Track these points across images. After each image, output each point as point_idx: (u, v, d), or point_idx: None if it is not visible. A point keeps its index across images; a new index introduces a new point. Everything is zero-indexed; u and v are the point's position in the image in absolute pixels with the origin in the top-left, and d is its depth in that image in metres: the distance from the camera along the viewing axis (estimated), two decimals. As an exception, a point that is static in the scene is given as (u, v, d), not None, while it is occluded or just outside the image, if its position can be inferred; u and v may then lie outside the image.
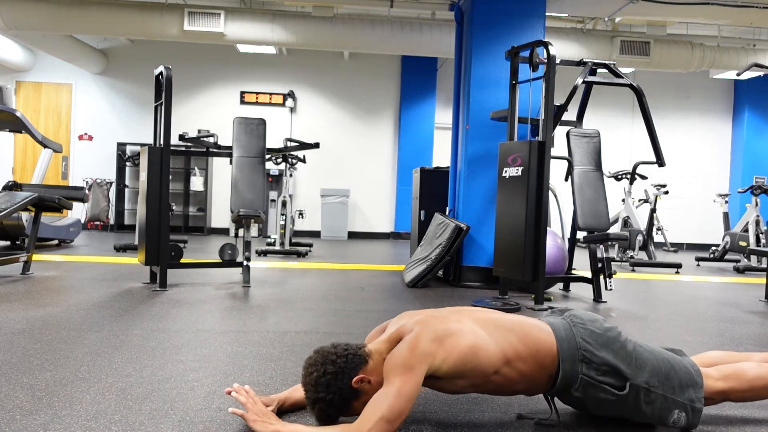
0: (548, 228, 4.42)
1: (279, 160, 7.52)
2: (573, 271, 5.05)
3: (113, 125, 10.23)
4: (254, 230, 9.33)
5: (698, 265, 7.82)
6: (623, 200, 7.90)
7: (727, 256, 7.88)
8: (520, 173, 4.18)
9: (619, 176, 7.68)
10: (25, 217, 6.24)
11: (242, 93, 10.36)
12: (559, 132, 5.05)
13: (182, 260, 4.61)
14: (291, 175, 7.92)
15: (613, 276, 4.57)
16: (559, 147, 5.51)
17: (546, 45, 4.23)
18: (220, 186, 10.21)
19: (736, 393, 1.88)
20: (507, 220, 4.31)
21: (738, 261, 7.67)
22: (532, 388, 1.84)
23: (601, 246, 4.54)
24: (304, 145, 6.42)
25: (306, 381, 1.70)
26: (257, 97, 10.38)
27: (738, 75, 8.41)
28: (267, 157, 5.28)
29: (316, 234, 10.21)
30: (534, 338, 1.79)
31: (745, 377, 1.88)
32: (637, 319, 3.88)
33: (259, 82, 10.41)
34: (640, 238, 7.34)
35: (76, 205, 9.07)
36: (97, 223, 9.90)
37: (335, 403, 1.67)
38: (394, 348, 1.72)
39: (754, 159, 10.64)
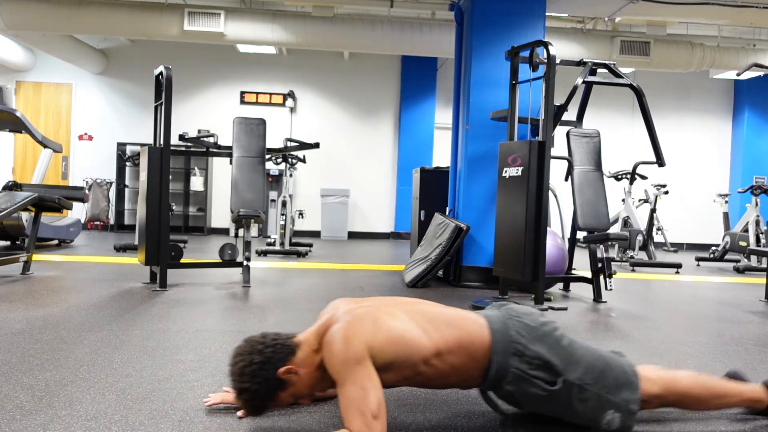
0: (548, 228, 4.42)
1: (279, 160, 7.52)
2: (573, 271, 5.05)
3: (113, 125, 10.23)
4: (254, 230, 9.33)
5: (698, 265, 7.82)
6: (623, 200, 7.90)
7: (727, 256, 7.88)
8: (520, 173, 4.18)
9: (619, 176, 7.68)
10: (25, 217, 6.24)
11: (242, 93, 10.36)
12: (559, 132, 5.05)
13: (182, 260, 4.61)
14: (291, 175, 7.93)
15: (613, 276, 4.57)
16: (559, 147, 5.51)
17: (546, 45, 4.23)
18: (220, 186, 10.21)
19: (671, 398, 1.86)
20: (507, 220, 4.31)
21: (738, 261, 7.67)
22: (465, 381, 1.81)
23: (601, 246, 4.54)
24: (304, 145, 6.42)
25: (232, 370, 1.68)
26: (257, 97, 10.38)
27: (738, 75, 8.40)
28: (267, 157, 5.28)
29: (316, 234, 10.21)
30: (467, 331, 1.77)
31: (680, 383, 1.87)
32: (637, 319, 3.88)
33: (259, 82, 10.41)
34: (640, 238, 7.34)
35: (76, 205, 9.07)
36: (97, 223, 9.91)
37: (261, 394, 1.66)
38: (323, 341, 1.68)
39: (754, 159, 10.64)
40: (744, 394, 1.93)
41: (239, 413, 1.88)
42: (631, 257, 7.30)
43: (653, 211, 7.56)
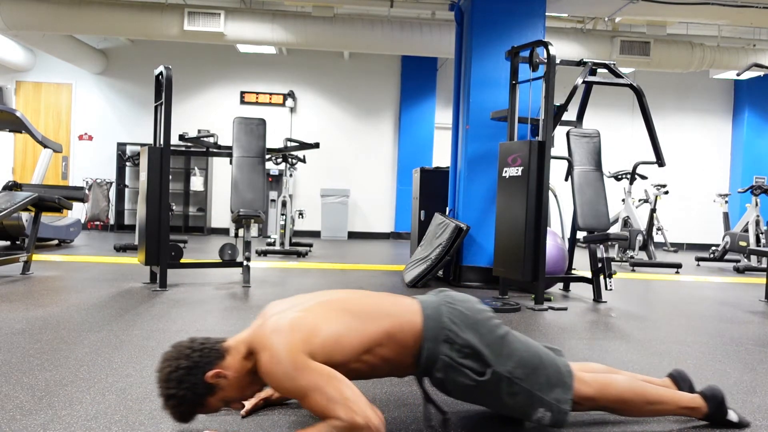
0: (548, 228, 4.42)
1: (279, 160, 7.52)
2: (573, 271, 5.04)
3: (113, 125, 10.23)
4: (254, 230, 9.33)
5: (698, 265, 7.82)
6: (623, 200, 7.90)
7: (727, 256, 7.88)
8: (520, 173, 4.18)
9: (619, 176, 7.68)
10: (25, 217, 6.24)
11: (242, 93, 10.36)
12: (559, 132, 5.05)
13: (182, 260, 4.60)
14: (291, 175, 7.92)
15: (613, 276, 4.57)
16: (559, 147, 5.51)
17: (546, 45, 4.23)
18: (220, 186, 10.21)
19: (604, 402, 1.82)
20: (507, 220, 4.31)
21: (738, 261, 7.67)
22: (399, 370, 1.78)
23: (601, 246, 4.54)
24: (304, 145, 6.42)
25: (159, 377, 1.64)
26: (257, 97, 10.38)
27: (738, 75, 8.40)
28: (267, 157, 5.28)
29: (316, 234, 10.20)
30: (396, 319, 1.73)
31: (614, 388, 1.83)
32: (637, 319, 3.88)
33: (259, 82, 10.41)
34: (640, 238, 7.34)
35: (76, 205, 9.07)
36: (97, 223, 9.91)
37: (188, 400, 1.61)
38: (259, 357, 1.63)
39: (754, 159, 10.64)
40: (680, 402, 1.89)
41: (242, 411, 1.88)
42: (631, 257, 7.29)
43: (653, 211, 7.56)
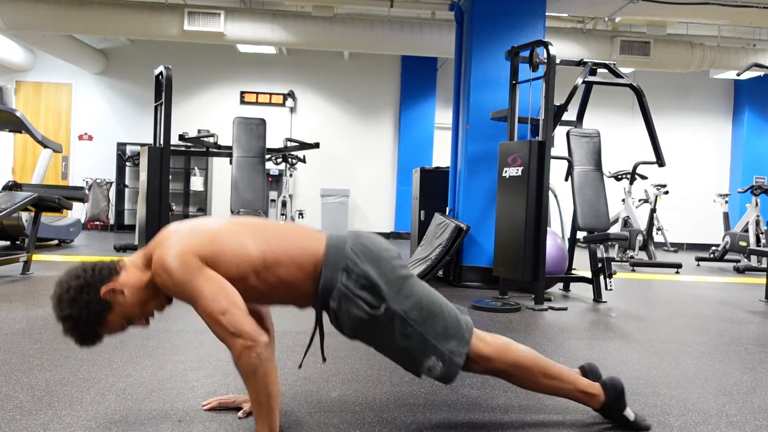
0: (548, 228, 4.42)
1: (279, 160, 7.52)
2: (573, 271, 5.04)
3: (113, 125, 10.23)
4: (254, 230, 9.31)
5: (698, 265, 7.82)
6: (623, 200, 7.90)
7: (727, 256, 7.88)
8: (520, 173, 4.18)
9: (619, 176, 7.68)
10: (25, 217, 6.23)
11: (242, 93, 10.36)
12: (559, 132, 5.05)
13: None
14: (291, 175, 7.93)
15: (613, 276, 4.57)
16: (559, 147, 5.51)
17: (546, 45, 4.23)
18: (220, 186, 10.21)
19: (500, 364, 1.76)
20: (507, 220, 4.31)
21: (738, 261, 7.67)
22: (298, 297, 1.74)
23: (601, 246, 4.54)
24: (304, 145, 6.42)
25: (52, 302, 1.60)
26: (257, 97, 10.38)
27: (738, 75, 8.41)
28: (267, 157, 5.29)
29: (316, 234, 10.19)
30: (299, 243, 1.70)
31: (513, 352, 1.77)
32: (637, 319, 3.88)
33: (259, 82, 10.41)
34: (640, 238, 7.34)
35: (76, 205, 9.06)
36: (97, 223, 9.90)
37: (84, 319, 1.57)
38: (153, 264, 1.61)
39: (754, 159, 10.64)
40: (579, 384, 1.82)
41: (240, 413, 1.88)
42: (631, 257, 7.29)
43: (653, 211, 7.56)
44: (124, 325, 1.66)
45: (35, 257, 5.46)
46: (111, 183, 9.85)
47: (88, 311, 1.58)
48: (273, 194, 8.76)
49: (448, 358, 1.69)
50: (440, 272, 5.18)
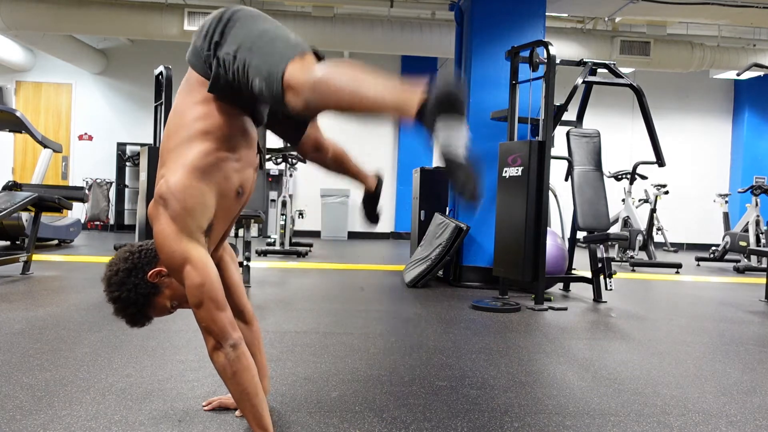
0: (548, 228, 4.42)
1: (279, 160, 7.51)
2: (573, 271, 5.04)
3: (113, 125, 10.23)
4: (254, 230, 9.32)
5: (698, 265, 7.82)
6: (623, 200, 7.90)
7: (727, 256, 7.88)
8: (520, 173, 4.18)
9: (619, 176, 7.68)
10: (25, 217, 6.23)
11: (242, 93, 10.35)
12: (559, 132, 5.05)
13: (182, 260, 4.59)
14: (291, 175, 7.92)
15: (613, 276, 4.57)
16: (559, 147, 5.51)
17: (546, 45, 4.23)
18: (220, 186, 10.19)
19: (323, 88, 1.47)
20: (507, 220, 4.31)
21: (738, 261, 7.67)
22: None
23: (601, 246, 4.54)
24: (304, 145, 6.41)
25: (103, 284, 1.64)
26: (257, 97, 10.36)
27: (738, 75, 8.41)
28: (267, 157, 5.28)
29: (316, 234, 10.20)
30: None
31: (338, 79, 1.50)
32: (637, 319, 3.88)
33: (259, 82, 10.40)
34: (640, 238, 7.34)
35: (76, 205, 9.06)
36: (97, 223, 9.90)
37: (133, 300, 1.61)
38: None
39: (754, 159, 10.64)
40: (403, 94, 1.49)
41: (237, 413, 1.88)
42: (631, 257, 7.29)
43: (653, 211, 7.56)
44: (172, 306, 1.67)
45: (35, 257, 5.46)
46: (111, 183, 9.85)
47: (136, 293, 1.60)
48: (273, 194, 8.76)
49: (267, 74, 1.49)
50: (440, 272, 5.18)
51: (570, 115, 4.90)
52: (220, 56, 1.54)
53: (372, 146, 10.61)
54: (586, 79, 4.53)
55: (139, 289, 1.61)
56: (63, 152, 9.67)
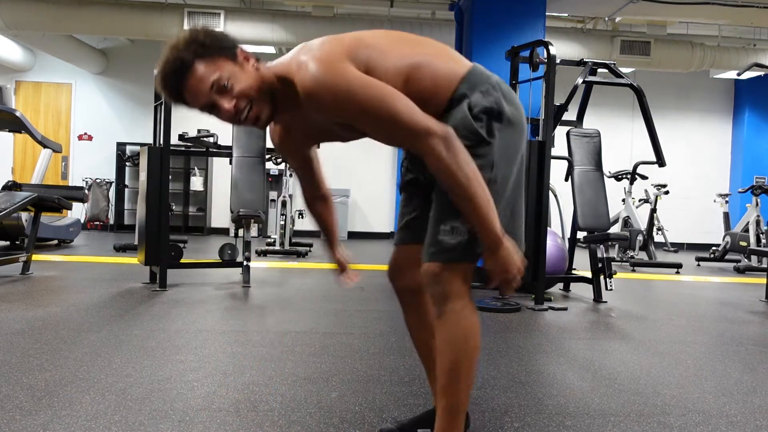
0: (548, 228, 4.42)
1: (279, 160, 7.51)
2: (573, 271, 5.04)
3: (113, 125, 10.22)
4: (254, 230, 9.31)
5: (698, 265, 7.81)
6: (623, 200, 7.90)
7: (727, 256, 7.87)
8: (520, 173, 4.18)
9: (620, 176, 7.67)
10: (25, 217, 6.23)
11: (242, 93, 10.35)
12: (559, 132, 5.04)
13: (182, 260, 4.60)
14: (291, 175, 7.92)
15: (614, 276, 4.57)
16: (559, 147, 5.51)
17: (546, 45, 4.23)
18: (220, 186, 10.20)
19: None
20: (507, 220, 4.30)
21: (738, 261, 7.67)
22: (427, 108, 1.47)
23: (602, 246, 4.53)
24: (304, 145, 6.41)
25: (172, 45, 1.39)
26: (257, 97, 10.36)
27: (738, 75, 8.41)
28: (267, 156, 5.28)
29: (316, 234, 10.19)
30: (444, 56, 1.54)
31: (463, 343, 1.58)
32: (637, 319, 3.88)
33: (259, 82, 10.39)
34: (640, 238, 7.34)
35: (75, 205, 9.04)
36: (97, 223, 9.90)
37: (208, 46, 1.39)
38: (283, 76, 1.44)
39: (754, 159, 10.63)
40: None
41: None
42: (632, 257, 7.29)
43: (653, 211, 7.56)
44: (229, 100, 1.43)
45: (35, 257, 5.45)
46: (111, 183, 9.84)
47: (212, 38, 1.41)
48: (273, 194, 8.75)
49: (468, 233, 1.51)
50: (440, 272, 5.17)
51: (570, 115, 4.89)
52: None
53: (372, 146, 10.59)
54: (586, 79, 4.53)
55: (217, 43, 1.41)
56: (63, 152, 9.66)
